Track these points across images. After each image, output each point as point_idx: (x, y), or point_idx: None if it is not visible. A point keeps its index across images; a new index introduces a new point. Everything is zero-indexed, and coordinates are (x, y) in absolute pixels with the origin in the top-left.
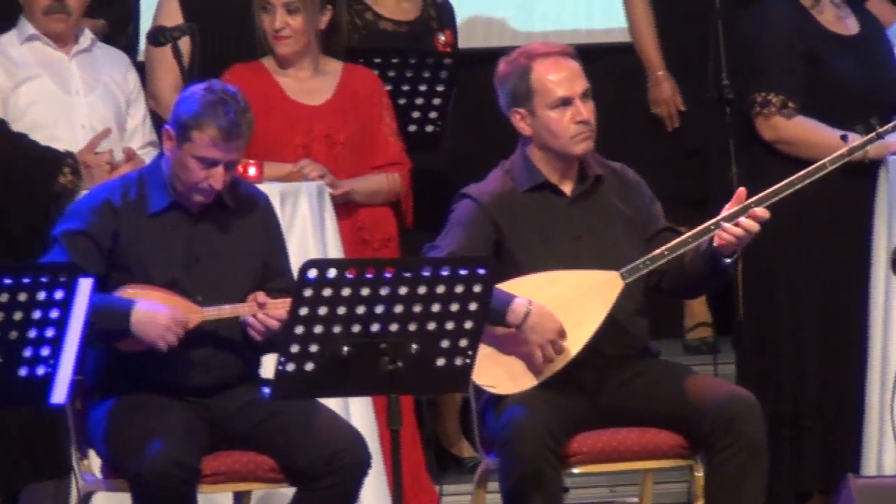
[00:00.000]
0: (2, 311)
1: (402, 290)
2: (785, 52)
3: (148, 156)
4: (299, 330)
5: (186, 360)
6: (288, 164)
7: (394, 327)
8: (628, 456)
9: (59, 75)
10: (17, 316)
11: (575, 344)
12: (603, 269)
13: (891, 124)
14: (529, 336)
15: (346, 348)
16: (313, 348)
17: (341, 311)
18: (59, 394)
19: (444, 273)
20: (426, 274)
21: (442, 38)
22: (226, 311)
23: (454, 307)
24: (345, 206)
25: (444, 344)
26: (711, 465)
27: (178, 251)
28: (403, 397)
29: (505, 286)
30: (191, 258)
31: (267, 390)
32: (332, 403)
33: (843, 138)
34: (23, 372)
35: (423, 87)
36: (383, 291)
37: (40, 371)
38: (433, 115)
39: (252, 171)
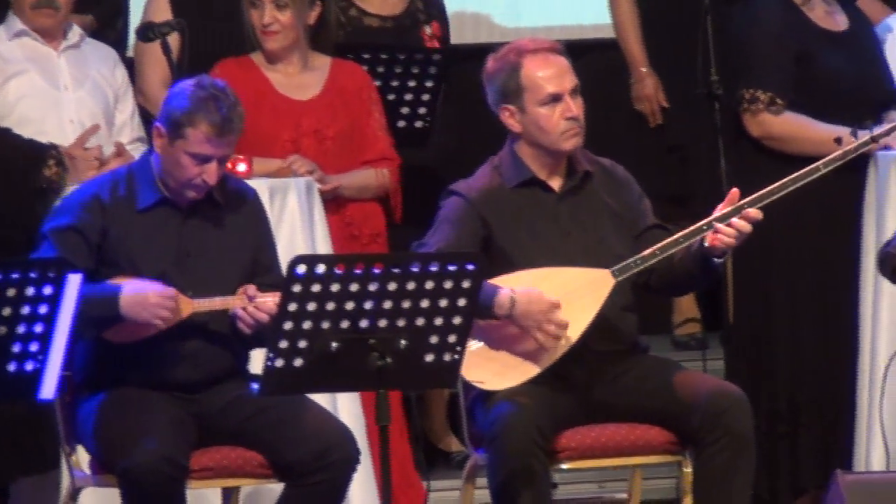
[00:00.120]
0: None
1: (391, 286)
2: (774, 48)
3: (136, 151)
4: (288, 326)
5: (175, 356)
6: (277, 160)
7: (383, 323)
8: (617, 452)
9: (47, 71)
10: (6, 311)
11: (565, 341)
12: (592, 265)
13: (887, 128)
14: (523, 323)
15: (334, 344)
16: (302, 344)
17: (330, 306)
18: (48, 389)
19: (433, 269)
20: (415, 270)
21: (428, 30)
22: (216, 303)
23: (443, 303)
24: (334, 202)
25: (433, 340)
26: (700, 460)
27: (168, 247)
28: (391, 393)
29: (494, 283)
30: (181, 254)
31: (255, 386)
32: (320, 399)
33: (838, 141)
34: (11, 367)
35: (411, 83)
36: (372, 287)
37: (29, 367)
38: (422, 110)
39: (241, 167)
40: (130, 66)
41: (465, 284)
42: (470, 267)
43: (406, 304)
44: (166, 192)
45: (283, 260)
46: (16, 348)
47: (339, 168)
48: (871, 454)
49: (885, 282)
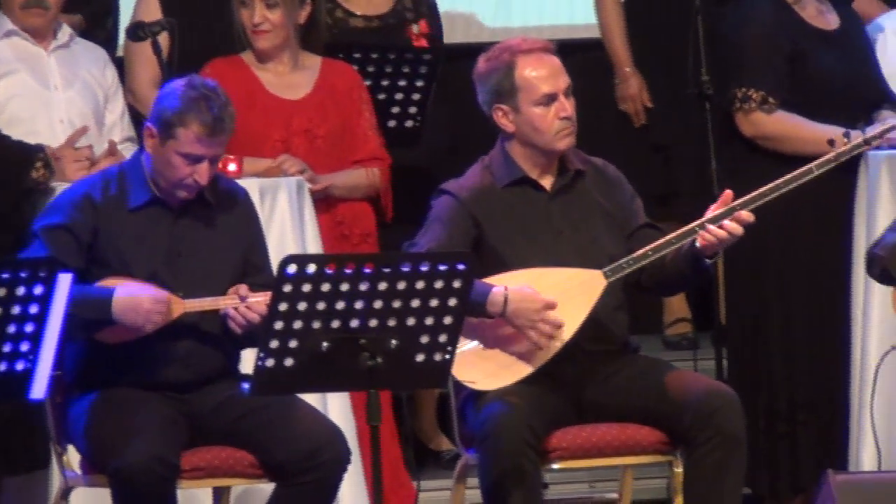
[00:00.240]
0: None
1: (382, 286)
2: (766, 47)
3: (126, 151)
4: (278, 325)
5: (166, 356)
6: (267, 160)
7: (373, 323)
8: (608, 452)
9: (37, 70)
10: None
11: (557, 341)
12: (584, 265)
13: (879, 130)
14: (516, 321)
15: (325, 344)
16: (292, 344)
17: (321, 306)
18: (39, 389)
19: (424, 269)
20: (406, 269)
21: (416, 28)
22: (206, 303)
23: (434, 303)
24: (324, 201)
25: (424, 339)
26: (691, 460)
27: (159, 246)
28: (381, 393)
29: (486, 283)
30: (172, 253)
31: (246, 386)
32: (310, 399)
33: (830, 143)
34: (2, 367)
35: (402, 83)
36: (363, 287)
37: (19, 366)
38: (412, 110)
39: (232, 166)
40: (120, 65)
41: (456, 284)
42: (460, 267)
43: (396, 304)
44: (157, 192)
45: (274, 259)
46: (6, 348)
47: (329, 168)
48: (861, 454)
49: (876, 283)
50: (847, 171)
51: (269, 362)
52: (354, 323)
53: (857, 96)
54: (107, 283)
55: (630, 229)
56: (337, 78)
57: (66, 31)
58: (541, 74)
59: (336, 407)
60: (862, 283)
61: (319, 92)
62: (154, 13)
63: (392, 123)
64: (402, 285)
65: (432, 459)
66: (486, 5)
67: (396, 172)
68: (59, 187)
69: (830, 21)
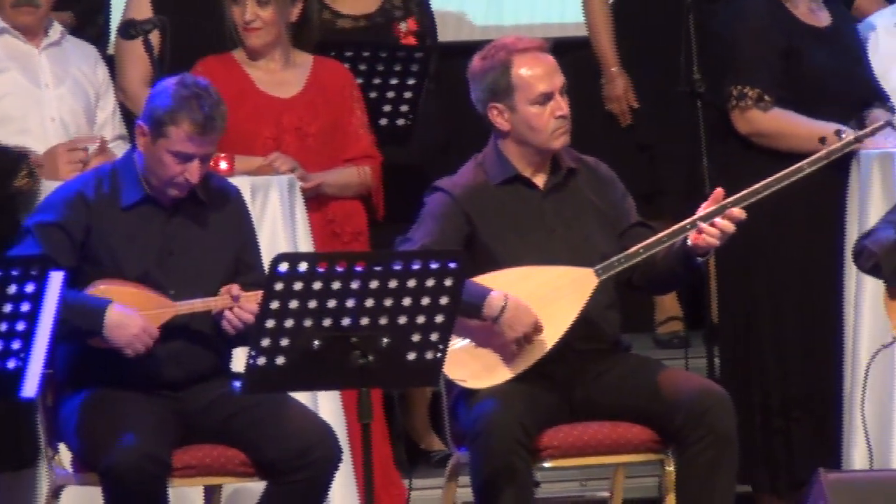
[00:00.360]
0: None
1: (373, 284)
2: (761, 44)
3: (118, 149)
4: (270, 324)
5: (158, 354)
6: (258, 158)
7: (364, 321)
8: (599, 450)
9: (28, 68)
10: None
11: (548, 340)
12: (576, 263)
13: (870, 128)
14: (505, 330)
15: (316, 342)
16: (284, 342)
17: (312, 304)
18: (30, 387)
19: (415, 267)
20: (397, 268)
21: (403, 26)
22: (198, 305)
23: (425, 301)
24: (315, 200)
25: (415, 338)
26: (683, 459)
27: (152, 245)
28: (372, 391)
29: (478, 281)
30: (164, 252)
31: (238, 384)
32: (300, 398)
33: (822, 141)
34: None
35: (394, 81)
36: (354, 285)
37: (11, 365)
38: (404, 108)
39: (223, 164)
40: (111, 63)
41: (447, 282)
42: (452, 265)
43: (388, 302)
44: (150, 191)
45: (265, 258)
46: None
47: (320, 166)
48: (852, 452)
49: (867, 280)
50: (839, 170)
51: (261, 360)
52: (346, 321)
53: (849, 93)
54: (103, 288)
55: (622, 228)
56: (328, 76)
57: (57, 29)
58: (537, 73)
59: (327, 406)
60: (854, 282)
61: (311, 90)
62: (145, 11)
63: (384, 122)
64: (393, 283)
65: (424, 458)
66: (477, 3)
67: (388, 171)
68: (50, 186)
69: (822, 18)
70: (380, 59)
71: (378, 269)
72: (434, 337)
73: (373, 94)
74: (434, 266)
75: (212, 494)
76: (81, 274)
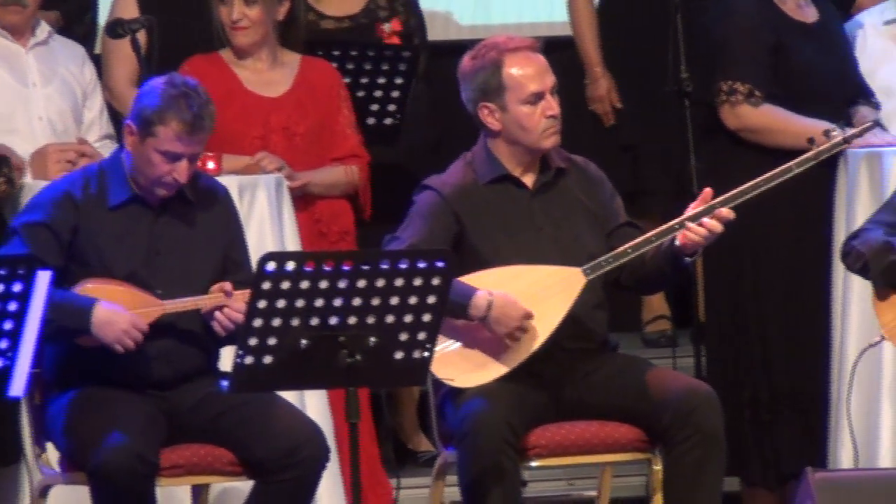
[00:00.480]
0: None
1: (361, 283)
2: (751, 40)
3: (105, 148)
4: (258, 323)
5: (146, 353)
6: (246, 157)
7: (352, 320)
8: (587, 449)
9: (15, 68)
10: None
11: (536, 339)
12: (565, 263)
13: (859, 129)
14: (495, 328)
15: (304, 341)
16: (271, 341)
17: (300, 303)
18: (18, 387)
19: (403, 266)
20: (385, 267)
21: (387, 26)
22: (188, 303)
23: (413, 300)
24: (302, 199)
25: (403, 337)
26: (670, 458)
27: (139, 244)
28: (360, 391)
29: (467, 280)
30: (152, 251)
31: (225, 383)
32: (288, 397)
33: (810, 141)
34: None
35: (381, 80)
36: (342, 284)
37: None
38: (392, 107)
39: (210, 164)
40: (98, 62)
41: (435, 282)
42: (439, 264)
43: (375, 302)
44: (137, 190)
45: (253, 257)
46: None
47: (308, 165)
48: (839, 451)
49: (855, 279)
50: (824, 169)
51: (248, 360)
52: (333, 320)
53: (835, 89)
54: (90, 287)
55: (610, 228)
56: (316, 75)
57: (44, 29)
58: (528, 73)
59: (314, 405)
60: (841, 281)
61: (298, 89)
62: (131, 10)
63: (371, 121)
64: (381, 283)
65: (412, 458)
66: (464, 3)
67: (375, 170)
68: (36, 186)
69: (809, 14)
70: (367, 58)
71: (366, 268)
72: (422, 336)
73: (360, 94)
74: (422, 265)
75: (199, 494)
76: (69, 273)
